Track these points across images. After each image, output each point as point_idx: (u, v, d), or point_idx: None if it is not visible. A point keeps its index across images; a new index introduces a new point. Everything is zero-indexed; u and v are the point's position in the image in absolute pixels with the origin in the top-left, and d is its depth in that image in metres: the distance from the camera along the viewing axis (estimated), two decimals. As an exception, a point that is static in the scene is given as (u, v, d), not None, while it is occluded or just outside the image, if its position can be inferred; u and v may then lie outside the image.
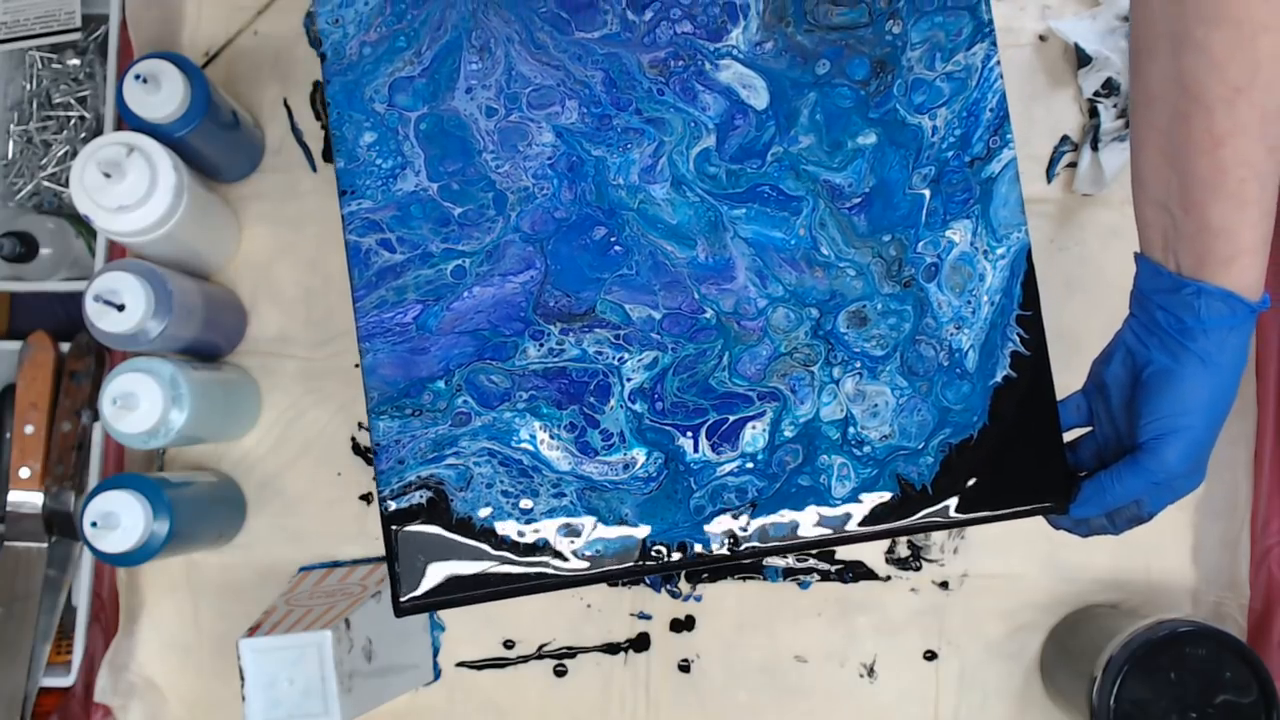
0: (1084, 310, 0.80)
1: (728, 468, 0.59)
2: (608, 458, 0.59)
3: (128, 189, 0.70)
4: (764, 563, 0.81)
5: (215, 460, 0.83)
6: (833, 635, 0.81)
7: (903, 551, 0.82)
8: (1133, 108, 0.57)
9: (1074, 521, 0.62)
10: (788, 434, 0.60)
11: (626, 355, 0.60)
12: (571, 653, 0.82)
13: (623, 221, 0.60)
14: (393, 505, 0.58)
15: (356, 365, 0.59)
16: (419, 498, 0.59)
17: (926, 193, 0.60)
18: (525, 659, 0.82)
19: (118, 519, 0.69)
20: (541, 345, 0.60)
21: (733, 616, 0.82)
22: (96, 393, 0.80)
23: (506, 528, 0.59)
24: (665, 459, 0.59)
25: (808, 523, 0.59)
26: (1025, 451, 0.60)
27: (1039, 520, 0.62)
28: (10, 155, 0.87)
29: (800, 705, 0.81)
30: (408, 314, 0.59)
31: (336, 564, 0.82)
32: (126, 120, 0.73)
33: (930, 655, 0.81)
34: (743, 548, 0.59)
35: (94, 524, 0.69)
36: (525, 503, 0.59)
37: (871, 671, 0.81)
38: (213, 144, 0.78)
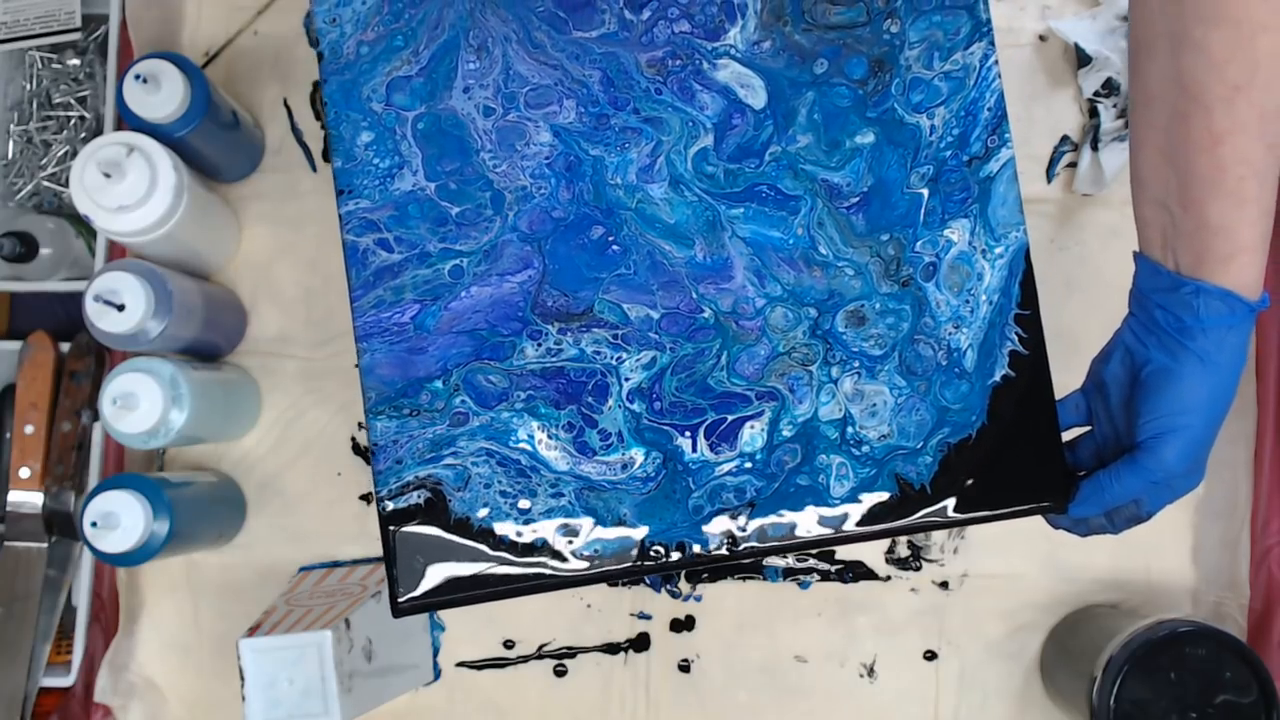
0: (1083, 310, 0.80)
1: (726, 467, 0.59)
2: (606, 458, 0.59)
3: (128, 189, 0.71)
4: (764, 563, 0.81)
5: (215, 460, 0.83)
6: (833, 635, 0.81)
7: (903, 551, 0.81)
8: (1132, 107, 0.57)
9: (1073, 521, 0.61)
10: (786, 434, 0.60)
11: (624, 355, 0.60)
12: (571, 653, 0.82)
13: (621, 221, 0.60)
14: (390, 505, 0.58)
15: (356, 365, 0.59)
16: (417, 498, 0.59)
17: (925, 192, 0.60)
18: (525, 659, 0.82)
19: (118, 519, 0.69)
20: (539, 345, 0.60)
21: (733, 616, 0.81)
22: (96, 393, 0.80)
23: (505, 528, 0.59)
24: (663, 459, 0.59)
25: (806, 522, 0.59)
26: (1024, 451, 0.60)
27: (1039, 520, 0.62)
28: (10, 155, 0.87)
29: (800, 705, 0.81)
30: (405, 314, 0.59)
31: (336, 564, 0.82)
32: (126, 120, 0.73)
33: (930, 655, 0.81)
34: (741, 548, 0.59)
35: (94, 524, 0.69)
36: (523, 503, 0.59)
37: (871, 671, 0.81)
38: (213, 144, 0.78)
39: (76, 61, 0.87)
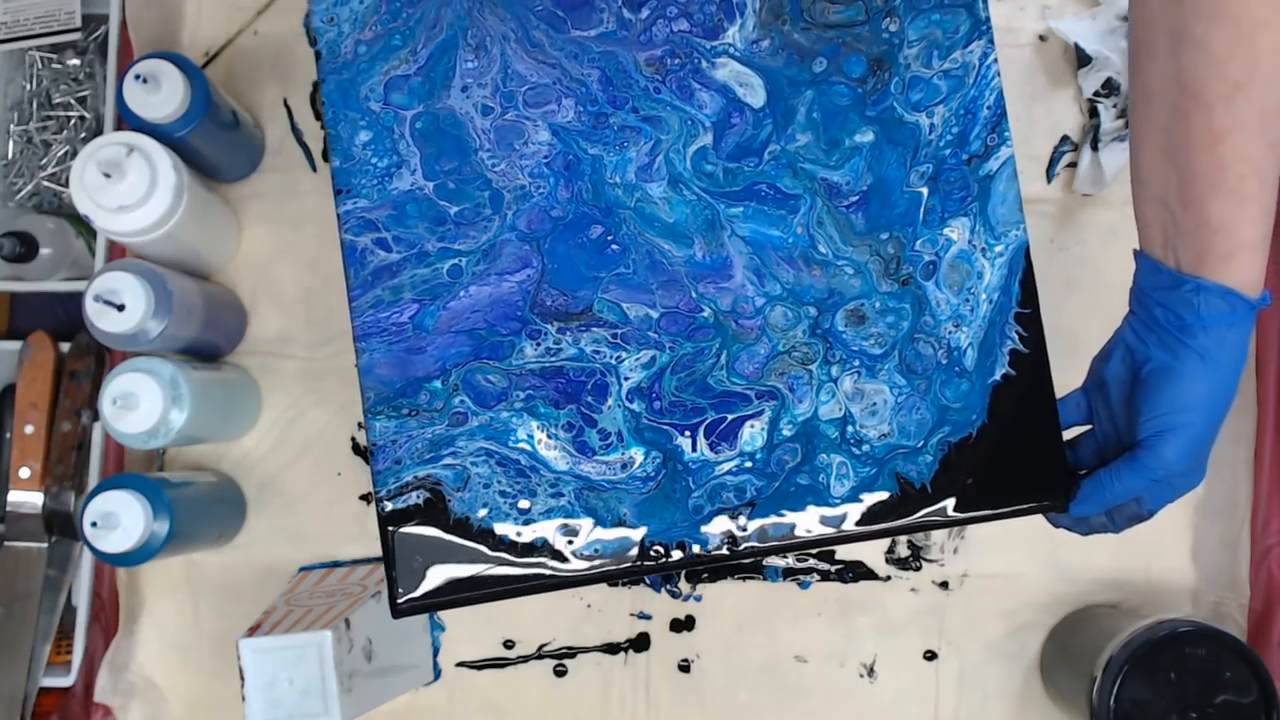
0: (1083, 310, 0.80)
1: (726, 467, 0.59)
2: (605, 457, 0.59)
3: (128, 189, 0.70)
4: (764, 563, 0.81)
5: (215, 460, 0.83)
6: (833, 635, 0.81)
7: (903, 551, 0.81)
8: (1132, 105, 0.57)
9: (1074, 520, 0.61)
10: (786, 433, 0.60)
11: (624, 354, 0.60)
12: (571, 653, 0.82)
13: (620, 220, 0.60)
14: (390, 506, 0.58)
15: (356, 365, 0.59)
16: (416, 498, 0.59)
17: (924, 190, 0.60)
18: (525, 659, 0.82)
19: (118, 519, 0.69)
20: (539, 345, 0.60)
21: (733, 616, 0.81)
22: (96, 393, 0.80)
23: (504, 528, 0.58)
24: (663, 458, 0.59)
25: (807, 522, 0.59)
26: (1025, 450, 0.60)
27: (1039, 520, 0.62)
28: (10, 155, 0.87)
29: (800, 705, 0.81)
30: (404, 313, 0.59)
31: (336, 564, 0.82)
32: (126, 120, 0.73)
33: (930, 655, 0.81)
34: (742, 547, 0.59)
35: (94, 524, 0.69)
36: (523, 503, 0.59)
37: (871, 671, 0.81)
38: (213, 144, 0.78)
39: (76, 61, 0.87)
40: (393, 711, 0.80)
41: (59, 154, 0.86)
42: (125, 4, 0.83)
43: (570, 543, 0.59)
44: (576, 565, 0.58)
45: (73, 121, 0.87)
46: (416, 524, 0.58)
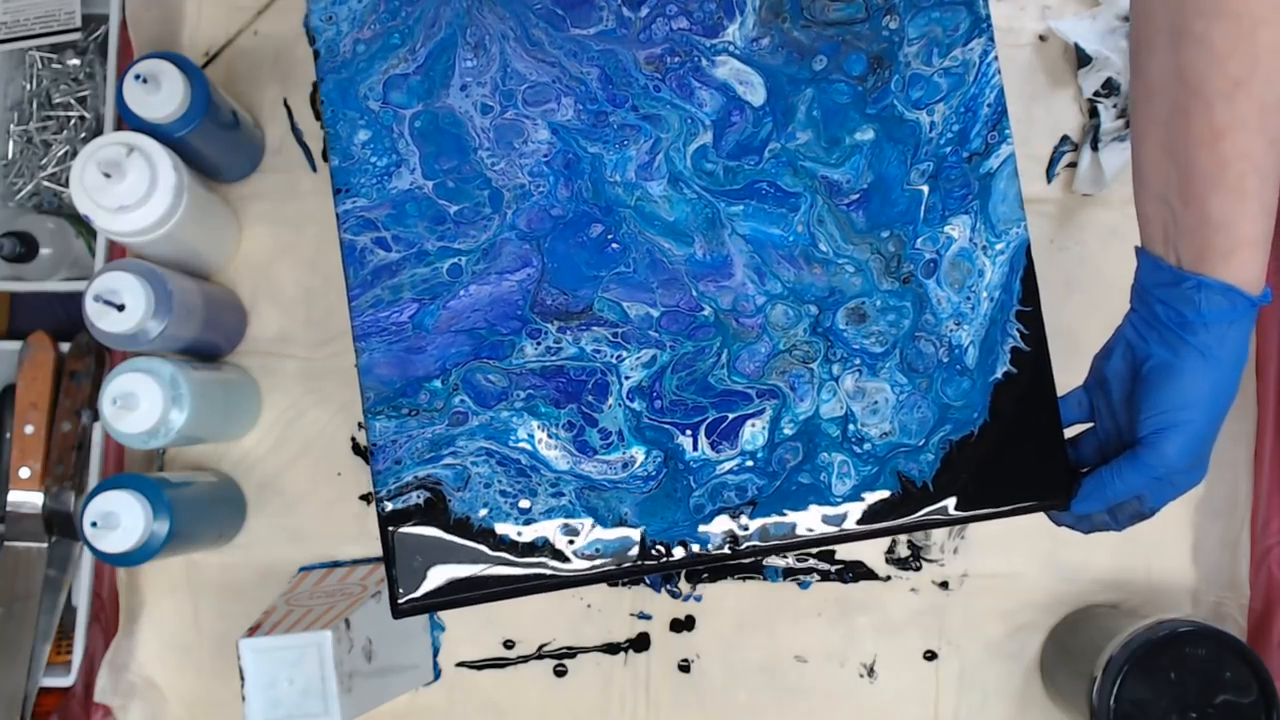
0: (1083, 310, 0.80)
1: (727, 466, 0.59)
2: (606, 457, 0.59)
3: (128, 189, 0.70)
4: (764, 562, 0.81)
5: (215, 460, 0.83)
6: (833, 635, 0.81)
7: (903, 551, 0.81)
8: (1133, 102, 0.57)
9: (1075, 518, 0.61)
10: (787, 432, 0.59)
11: (624, 353, 0.60)
12: (571, 653, 0.81)
13: (620, 219, 0.60)
14: (390, 506, 0.58)
15: (356, 365, 0.59)
16: (416, 498, 0.58)
17: (925, 188, 0.60)
18: (525, 659, 0.81)
19: (118, 519, 0.69)
20: (539, 344, 0.59)
21: (733, 616, 0.81)
22: (96, 393, 0.80)
23: (505, 528, 0.58)
24: (664, 457, 0.59)
25: (808, 521, 0.59)
26: (1026, 448, 0.60)
27: (1039, 519, 0.62)
28: (10, 155, 0.87)
29: (800, 705, 0.81)
30: (404, 313, 0.59)
31: (336, 564, 0.82)
32: (126, 120, 0.73)
33: (930, 655, 0.81)
34: (743, 547, 0.59)
35: (94, 524, 0.69)
36: (524, 502, 0.59)
37: (871, 671, 0.81)
38: (213, 144, 0.78)
39: (76, 61, 0.87)
40: (393, 711, 0.80)
41: (59, 154, 0.86)
42: (125, 4, 0.83)
43: (571, 542, 0.58)
44: (577, 565, 0.58)
45: (73, 121, 0.87)
46: (417, 524, 0.58)
